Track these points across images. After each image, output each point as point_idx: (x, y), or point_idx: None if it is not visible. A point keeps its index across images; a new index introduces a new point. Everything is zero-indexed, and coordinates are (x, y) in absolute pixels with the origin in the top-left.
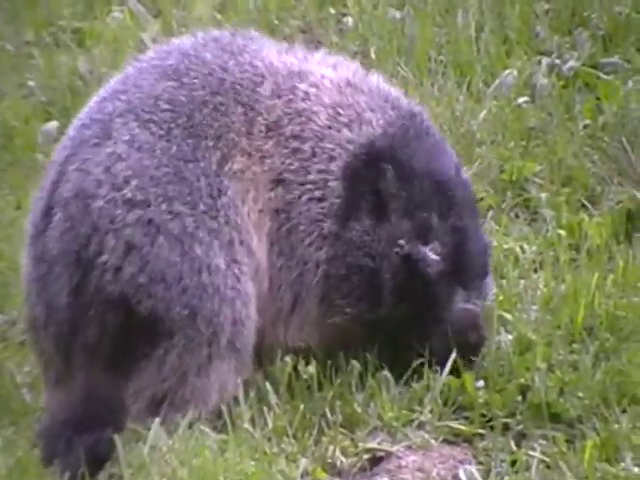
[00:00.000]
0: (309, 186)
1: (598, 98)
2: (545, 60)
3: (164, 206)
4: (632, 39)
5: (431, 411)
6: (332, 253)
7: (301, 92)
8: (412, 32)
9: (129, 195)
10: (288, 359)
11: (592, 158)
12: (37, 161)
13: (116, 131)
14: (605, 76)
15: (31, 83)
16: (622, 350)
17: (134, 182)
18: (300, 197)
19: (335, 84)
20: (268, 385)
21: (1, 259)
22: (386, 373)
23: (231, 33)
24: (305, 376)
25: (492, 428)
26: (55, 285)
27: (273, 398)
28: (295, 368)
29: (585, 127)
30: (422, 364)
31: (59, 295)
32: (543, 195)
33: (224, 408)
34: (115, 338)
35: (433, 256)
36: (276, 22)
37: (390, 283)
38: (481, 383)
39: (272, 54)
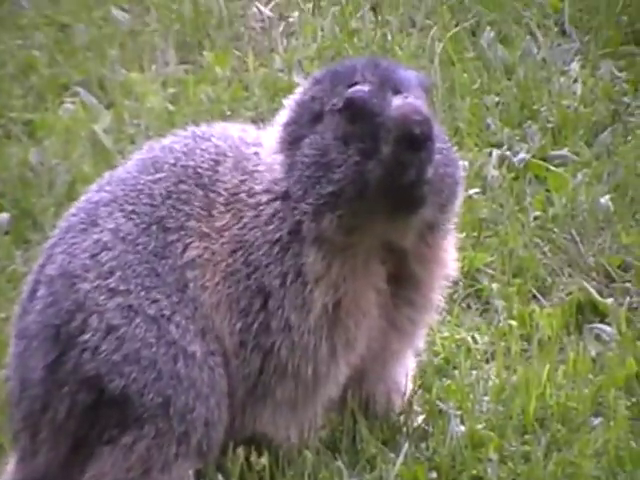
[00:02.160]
0: (266, 229)
1: (548, 190)
2: (496, 152)
3: (143, 293)
4: (580, 132)
5: None
6: None
7: (251, 155)
8: None
9: (113, 285)
10: (240, 450)
11: (542, 249)
12: None
13: (102, 219)
14: (555, 168)
15: None
16: (573, 441)
17: (118, 273)
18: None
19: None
20: (220, 477)
21: None
22: (339, 464)
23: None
24: (257, 467)
25: None
26: (31, 360)
27: None
28: (247, 459)
29: (535, 218)
30: (375, 455)
31: (34, 370)
32: (494, 286)
33: None
34: (84, 417)
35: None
36: (228, 113)
37: (340, 135)
38: (434, 474)
39: (234, 132)
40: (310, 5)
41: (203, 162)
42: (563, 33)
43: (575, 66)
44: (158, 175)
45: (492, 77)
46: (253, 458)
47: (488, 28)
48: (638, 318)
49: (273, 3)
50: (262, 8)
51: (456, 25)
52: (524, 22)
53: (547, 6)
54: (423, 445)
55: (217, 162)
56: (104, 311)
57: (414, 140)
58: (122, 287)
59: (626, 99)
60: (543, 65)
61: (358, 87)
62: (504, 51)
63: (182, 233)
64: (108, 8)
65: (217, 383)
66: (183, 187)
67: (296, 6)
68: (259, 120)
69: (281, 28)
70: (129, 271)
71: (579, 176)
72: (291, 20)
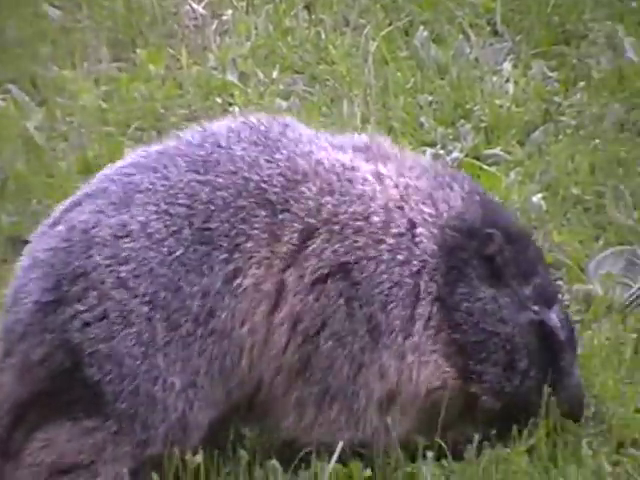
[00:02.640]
0: (386, 255)
1: None
2: (429, 151)
3: (146, 308)
4: (513, 131)
5: None
6: (447, 322)
7: (360, 179)
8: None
9: (124, 275)
10: (175, 448)
11: None
12: None
13: (135, 206)
14: (488, 167)
15: None
16: (506, 438)
17: (132, 265)
18: (376, 268)
19: (393, 175)
20: (155, 475)
21: None
22: (274, 462)
23: (269, 119)
24: (192, 466)
25: None
26: (31, 283)
27: None
28: (182, 458)
29: None
30: (310, 452)
31: (29, 294)
32: None
33: None
34: (56, 376)
35: (558, 321)
36: (162, 111)
37: (523, 349)
38: (369, 472)
39: (320, 151)
40: (244, 3)
41: (270, 177)
42: (495, 33)
43: (507, 66)
44: (208, 177)
45: (425, 76)
46: (188, 457)
47: (421, 27)
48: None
49: (206, 1)
50: (195, 6)
51: (389, 24)
52: (457, 22)
53: (479, 6)
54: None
55: (296, 182)
56: (106, 295)
57: (574, 420)
58: (132, 283)
59: (557, 99)
60: (476, 64)
61: (556, 317)
62: (437, 50)
63: (237, 255)
64: (39, 4)
65: (194, 414)
66: (242, 202)
67: (229, 4)
68: (193, 118)
69: (214, 26)
70: (145, 268)
71: (512, 175)
72: (224, 18)
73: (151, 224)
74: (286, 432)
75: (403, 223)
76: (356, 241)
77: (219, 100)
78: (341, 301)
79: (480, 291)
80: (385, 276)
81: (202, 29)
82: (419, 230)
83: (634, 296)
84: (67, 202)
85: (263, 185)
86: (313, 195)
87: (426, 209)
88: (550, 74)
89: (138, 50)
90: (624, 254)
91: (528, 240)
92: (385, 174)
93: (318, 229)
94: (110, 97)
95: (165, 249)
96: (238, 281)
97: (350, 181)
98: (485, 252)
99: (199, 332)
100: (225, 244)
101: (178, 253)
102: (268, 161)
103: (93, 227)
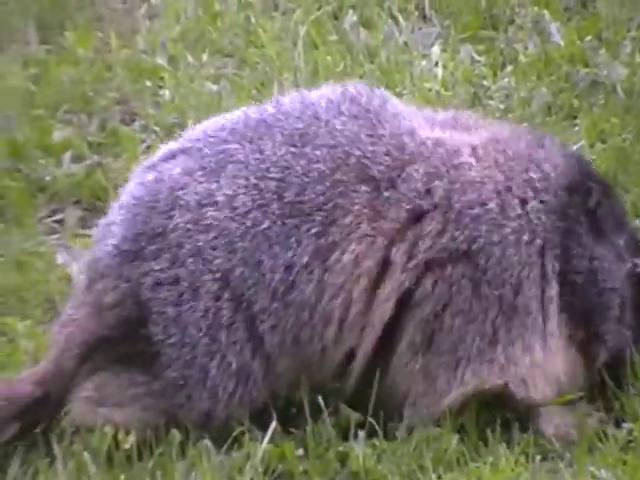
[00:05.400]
0: (511, 237)
1: None
2: None
3: (216, 286)
4: None
5: None
6: (566, 286)
7: (466, 165)
8: (229, 105)
9: (201, 244)
10: (108, 428)
11: None
12: None
13: (224, 176)
14: None
15: None
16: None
17: (212, 234)
18: (503, 252)
19: (491, 147)
20: (87, 455)
21: None
22: (207, 442)
23: (368, 91)
24: (126, 446)
25: None
26: (115, 224)
27: (92, 468)
28: (115, 437)
29: None
30: (242, 432)
31: (112, 235)
32: None
33: None
34: (122, 326)
35: None
36: (91, 94)
37: (626, 301)
38: (301, 451)
39: (422, 129)
40: None
41: (374, 153)
42: (424, 17)
43: (436, 50)
44: (304, 150)
45: (355, 60)
46: (121, 437)
47: (350, 12)
48: None
49: None
50: None
51: (318, 9)
52: (386, 6)
53: None
54: (291, 422)
55: (402, 162)
56: (179, 260)
57: None
58: (207, 254)
59: (486, 82)
60: (405, 49)
61: None
62: (366, 35)
63: (334, 229)
64: None
65: (245, 394)
66: (341, 176)
67: None
68: (123, 101)
69: (143, 9)
70: (224, 240)
71: None
72: (153, 2)
73: (238, 198)
74: (408, 400)
75: (517, 203)
76: (477, 229)
77: (149, 83)
78: (466, 284)
79: (590, 249)
80: (515, 258)
81: (131, 12)
82: (531, 205)
83: None
84: (165, 150)
85: (365, 161)
86: (421, 177)
87: (533, 175)
88: (478, 58)
89: (66, 33)
90: None
91: (615, 192)
92: (483, 150)
93: (429, 212)
94: (38, 80)
95: (249, 222)
96: (335, 256)
97: (456, 167)
98: (587, 206)
99: (273, 306)
100: (319, 217)
101: (263, 226)
102: (370, 136)
103: (180, 188)
